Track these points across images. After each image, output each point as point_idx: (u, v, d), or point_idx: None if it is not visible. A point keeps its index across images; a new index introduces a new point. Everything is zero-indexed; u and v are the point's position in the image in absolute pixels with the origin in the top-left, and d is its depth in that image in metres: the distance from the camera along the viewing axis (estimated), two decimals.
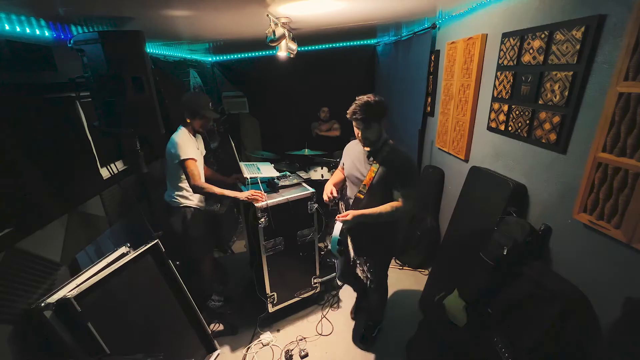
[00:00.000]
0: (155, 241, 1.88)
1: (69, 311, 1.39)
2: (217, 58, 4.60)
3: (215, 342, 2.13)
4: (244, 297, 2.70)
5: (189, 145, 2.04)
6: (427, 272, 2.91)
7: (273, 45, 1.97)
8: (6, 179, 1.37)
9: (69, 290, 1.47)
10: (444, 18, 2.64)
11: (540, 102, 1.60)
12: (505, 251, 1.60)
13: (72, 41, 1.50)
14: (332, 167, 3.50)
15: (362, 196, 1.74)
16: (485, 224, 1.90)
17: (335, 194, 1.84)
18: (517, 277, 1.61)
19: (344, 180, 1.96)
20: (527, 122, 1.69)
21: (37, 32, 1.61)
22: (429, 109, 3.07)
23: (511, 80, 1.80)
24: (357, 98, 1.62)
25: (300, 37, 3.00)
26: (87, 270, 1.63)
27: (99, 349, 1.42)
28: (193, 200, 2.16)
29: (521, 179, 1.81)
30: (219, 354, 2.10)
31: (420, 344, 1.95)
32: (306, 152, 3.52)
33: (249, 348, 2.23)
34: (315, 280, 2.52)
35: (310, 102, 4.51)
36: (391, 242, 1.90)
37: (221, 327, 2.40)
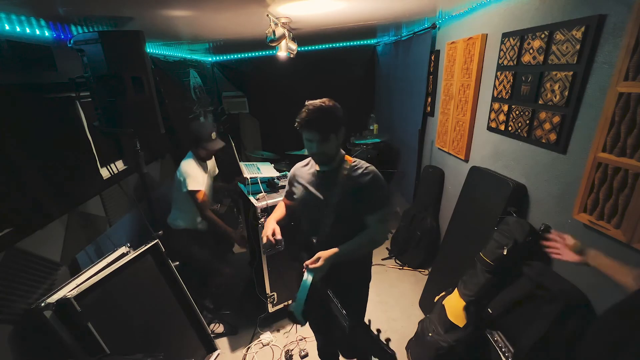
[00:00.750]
0: (155, 241, 1.88)
1: (69, 311, 1.39)
2: (217, 58, 4.60)
3: (215, 342, 2.13)
4: (244, 297, 2.70)
5: (197, 175, 2.13)
6: (427, 272, 2.90)
7: (273, 45, 1.97)
8: (6, 179, 1.37)
9: (69, 290, 1.47)
10: (444, 18, 2.64)
11: (540, 102, 1.60)
12: (505, 251, 1.61)
13: (72, 41, 1.50)
14: None
15: (327, 229, 1.33)
16: (485, 224, 1.90)
17: (279, 235, 1.40)
18: (517, 277, 1.62)
19: (290, 215, 1.56)
20: (527, 122, 1.69)
21: (37, 32, 1.61)
22: (429, 109, 3.07)
23: (511, 80, 1.80)
24: (307, 103, 1.28)
25: (300, 37, 3.00)
26: (87, 270, 1.62)
27: (99, 349, 1.42)
28: (193, 222, 2.26)
29: (521, 179, 1.81)
30: (219, 354, 2.09)
31: (420, 344, 1.95)
32: (306, 152, 3.51)
33: (249, 348, 2.23)
34: None
35: None
36: (367, 269, 1.56)
37: (221, 327, 2.40)
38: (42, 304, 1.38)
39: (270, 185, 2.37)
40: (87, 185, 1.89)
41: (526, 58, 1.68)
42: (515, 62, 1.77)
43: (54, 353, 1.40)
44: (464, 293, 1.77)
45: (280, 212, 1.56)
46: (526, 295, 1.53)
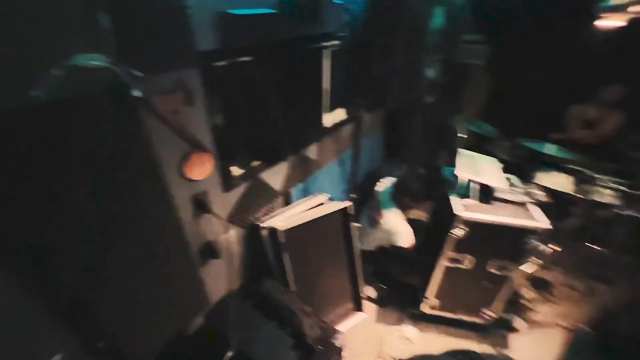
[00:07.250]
0: (350, 204, 1.97)
1: (276, 238, 1.72)
2: None
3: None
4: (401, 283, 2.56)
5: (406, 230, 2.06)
6: None
7: None
8: (264, 124, 1.66)
9: (280, 220, 1.80)
10: None
11: None
12: None
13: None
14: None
15: None
16: None
17: None
18: None
19: None
20: None
21: None
22: None
23: None
24: None
25: None
26: (294, 207, 1.94)
27: (285, 284, 1.73)
28: None
29: None
30: (364, 318, 2.20)
31: None
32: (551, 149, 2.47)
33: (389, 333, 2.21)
34: (484, 312, 2.06)
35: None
36: None
37: (373, 292, 2.44)
38: (262, 225, 1.76)
39: (485, 193, 1.84)
40: (312, 133, 2.09)
41: None
42: None
43: (263, 263, 1.81)
44: None
45: None
46: None
